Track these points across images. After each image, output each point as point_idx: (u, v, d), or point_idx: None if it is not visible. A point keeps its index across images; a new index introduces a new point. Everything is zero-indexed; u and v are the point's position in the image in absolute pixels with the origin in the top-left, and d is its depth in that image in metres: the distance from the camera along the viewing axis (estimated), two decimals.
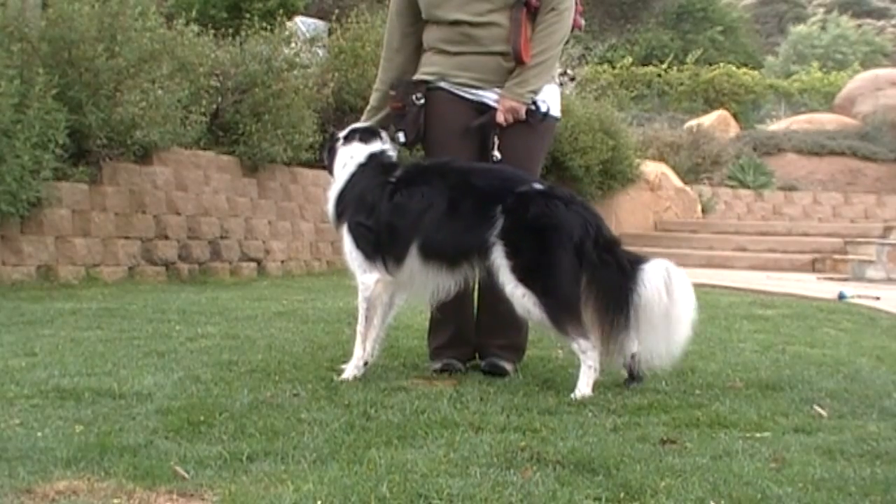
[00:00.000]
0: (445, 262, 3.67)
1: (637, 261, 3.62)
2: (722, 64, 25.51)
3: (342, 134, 4.04)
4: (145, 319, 5.41)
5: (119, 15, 7.78)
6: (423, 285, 3.77)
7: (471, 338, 4.07)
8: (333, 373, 3.78)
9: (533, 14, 3.89)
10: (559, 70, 4.74)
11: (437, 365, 3.96)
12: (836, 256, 12.95)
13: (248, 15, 10.24)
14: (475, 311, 4.10)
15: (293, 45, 10.49)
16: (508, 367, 3.93)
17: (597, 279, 3.56)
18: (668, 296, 3.54)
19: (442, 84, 3.97)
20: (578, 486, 2.36)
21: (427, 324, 4.18)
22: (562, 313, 3.53)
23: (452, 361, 3.97)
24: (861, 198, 17.94)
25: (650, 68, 25.11)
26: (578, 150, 13.12)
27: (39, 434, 2.74)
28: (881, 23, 41.62)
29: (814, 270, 12.74)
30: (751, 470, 2.52)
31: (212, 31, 9.55)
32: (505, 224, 3.57)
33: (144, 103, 7.77)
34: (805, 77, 27.17)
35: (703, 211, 16.18)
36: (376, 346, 3.84)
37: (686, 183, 16.21)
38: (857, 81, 22.32)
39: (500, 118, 3.87)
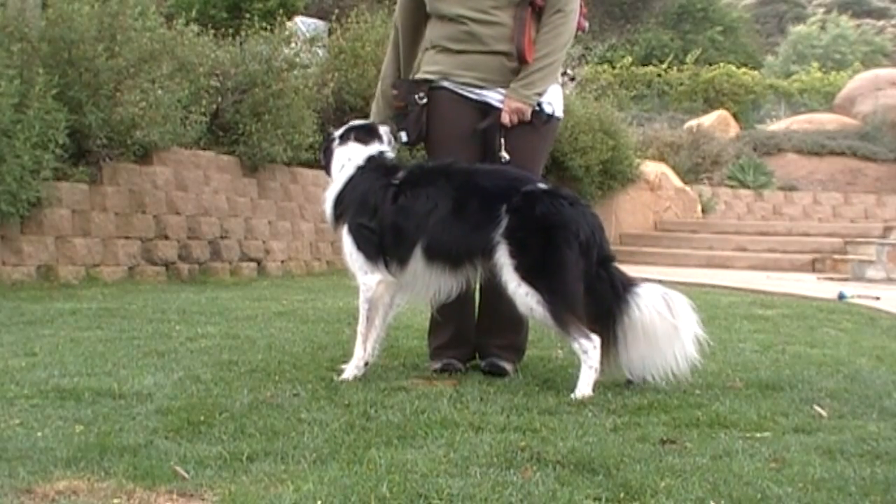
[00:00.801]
0: (449, 262, 3.66)
1: (629, 283, 3.65)
2: (722, 64, 25.48)
3: (338, 133, 4.01)
4: (145, 319, 5.41)
5: (119, 15, 7.79)
6: (425, 286, 3.77)
7: (471, 338, 4.07)
8: (333, 373, 3.77)
9: (538, 14, 3.87)
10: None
11: (437, 365, 3.95)
12: (836, 256, 12.94)
13: (248, 15, 10.25)
14: (476, 311, 4.10)
15: (293, 45, 10.49)
16: (508, 367, 3.92)
17: (589, 290, 3.58)
18: (670, 311, 3.58)
19: (445, 83, 3.94)
20: (578, 486, 2.36)
21: (427, 324, 4.18)
22: (565, 312, 3.52)
23: (452, 361, 3.96)
24: (861, 198, 17.93)
25: (650, 68, 25.10)
26: (578, 150, 13.13)
27: (39, 434, 2.74)
28: (881, 23, 41.66)
29: (814, 270, 12.73)
30: (751, 470, 2.52)
31: (212, 31, 9.56)
32: (510, 223, 3.55)
33: (144, 103, 7.77)
34: (805, 77, 27.17)
35: (703, 211, 16.17)
36: (377, 347, 3.83)
37: (686, 183, 16.20)
38: (857, 81, 22.29)
39: (505, 119, 3.85)
